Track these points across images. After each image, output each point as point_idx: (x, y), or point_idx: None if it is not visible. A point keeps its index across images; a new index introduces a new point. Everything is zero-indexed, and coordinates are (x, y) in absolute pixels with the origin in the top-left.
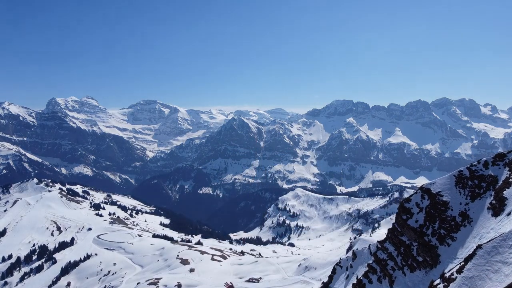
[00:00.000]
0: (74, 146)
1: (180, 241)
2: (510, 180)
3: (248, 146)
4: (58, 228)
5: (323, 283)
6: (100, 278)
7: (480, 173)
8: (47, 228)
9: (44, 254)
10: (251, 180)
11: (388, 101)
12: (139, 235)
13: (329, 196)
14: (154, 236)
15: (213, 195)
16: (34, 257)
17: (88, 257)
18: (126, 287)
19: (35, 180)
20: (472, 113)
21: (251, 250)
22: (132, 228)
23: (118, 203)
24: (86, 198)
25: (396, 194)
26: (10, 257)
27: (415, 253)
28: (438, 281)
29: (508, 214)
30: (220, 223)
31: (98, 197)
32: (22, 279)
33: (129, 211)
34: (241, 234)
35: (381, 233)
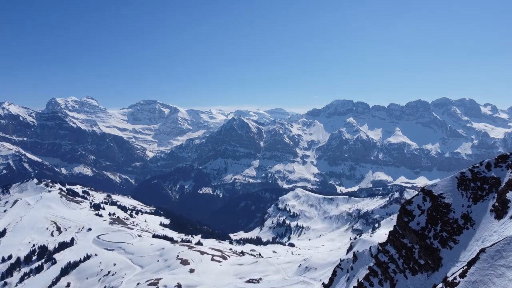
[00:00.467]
0: (74, 146)
1: (180, 242)
2: None
3: (248, 146)
4: (58, 229)
5: (323, 284)
6: (100, 279)
7: (482, 175)
8: (47, 228)
9: (44, 254)
10: (251, 180)
11: (388, 101)
12: (139, 236)
13: (329, 196)
14: (154, 236)
15: (213, 195)
16: (34, 258)
17: (88, 257)
18: (126, 287)
19: (35, 180)
20: (472, 113)
21: (251, 250)
22: (132, 229)
23: (118, 203)
24: (86, 198)
25: (396, 194)
26: (10, 257)
27: (416, 256)
28: (440, 285)
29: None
30: (220, 223)
31: (98, 197)
32: (21, 279)
33: (129, 211)
34: (241, 234)
35: (381, 233)
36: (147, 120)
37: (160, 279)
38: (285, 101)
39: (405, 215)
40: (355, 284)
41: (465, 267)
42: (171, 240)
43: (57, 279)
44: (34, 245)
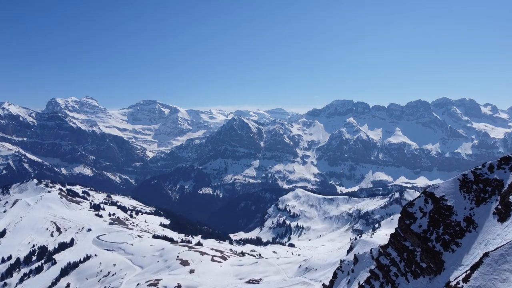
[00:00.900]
0: (74, 146)
1: (180, 242)
2: None
3: (248, 146)
4: (58, 229)
5: (323, 285)
6: (100, 279)
7: (485, 177)
8: (47, 228)
9: (44, 255)
10: (251, 180)
11: (388, 101)
12: (139, 236)
13: (329, 197)
14: (154, 236)
15: (213, 195)
16: (34, 258)
17: (87, 258)
18: None
19: (35, 181)
20: (472, 113)
21: (251, 250)
22: (132, 229)
23: (118, 203)
24: (86, 199)
25: (397, 194)
26: (9, 258)
27: (418, 259)
28: None
29: None
30: (220, 224)
31: (98, 197)
32: (21, 280)
33: (129, 212)
34: (241, 235)
35: (381, 234)
36: (147, 120)
37: (160, 279)
38: (285, 101)
39: (407, 218)
40: (356, 287)
41: (468, 271)
42: (171, 240)
43: (57, 279)
44: (34, 246)
